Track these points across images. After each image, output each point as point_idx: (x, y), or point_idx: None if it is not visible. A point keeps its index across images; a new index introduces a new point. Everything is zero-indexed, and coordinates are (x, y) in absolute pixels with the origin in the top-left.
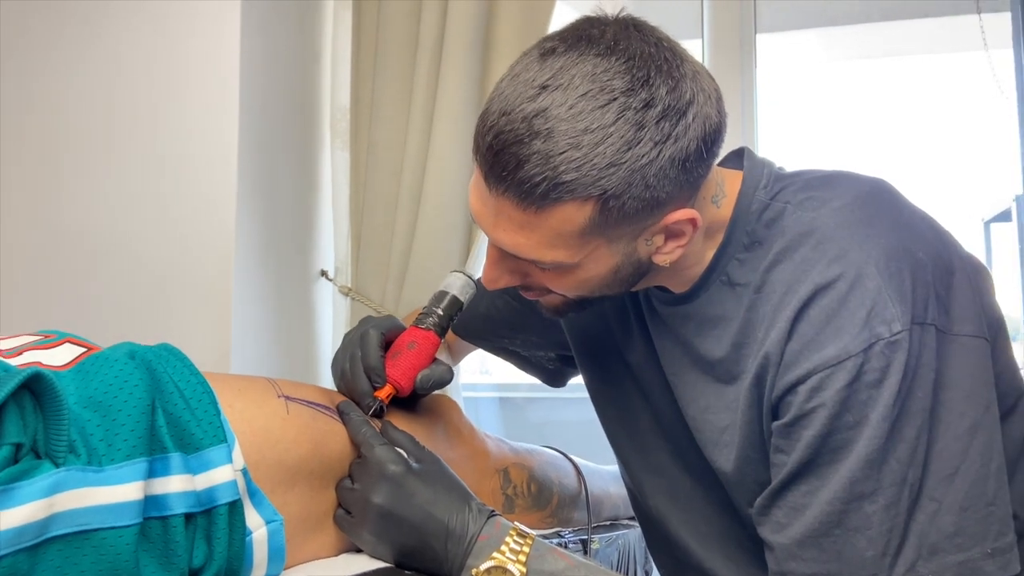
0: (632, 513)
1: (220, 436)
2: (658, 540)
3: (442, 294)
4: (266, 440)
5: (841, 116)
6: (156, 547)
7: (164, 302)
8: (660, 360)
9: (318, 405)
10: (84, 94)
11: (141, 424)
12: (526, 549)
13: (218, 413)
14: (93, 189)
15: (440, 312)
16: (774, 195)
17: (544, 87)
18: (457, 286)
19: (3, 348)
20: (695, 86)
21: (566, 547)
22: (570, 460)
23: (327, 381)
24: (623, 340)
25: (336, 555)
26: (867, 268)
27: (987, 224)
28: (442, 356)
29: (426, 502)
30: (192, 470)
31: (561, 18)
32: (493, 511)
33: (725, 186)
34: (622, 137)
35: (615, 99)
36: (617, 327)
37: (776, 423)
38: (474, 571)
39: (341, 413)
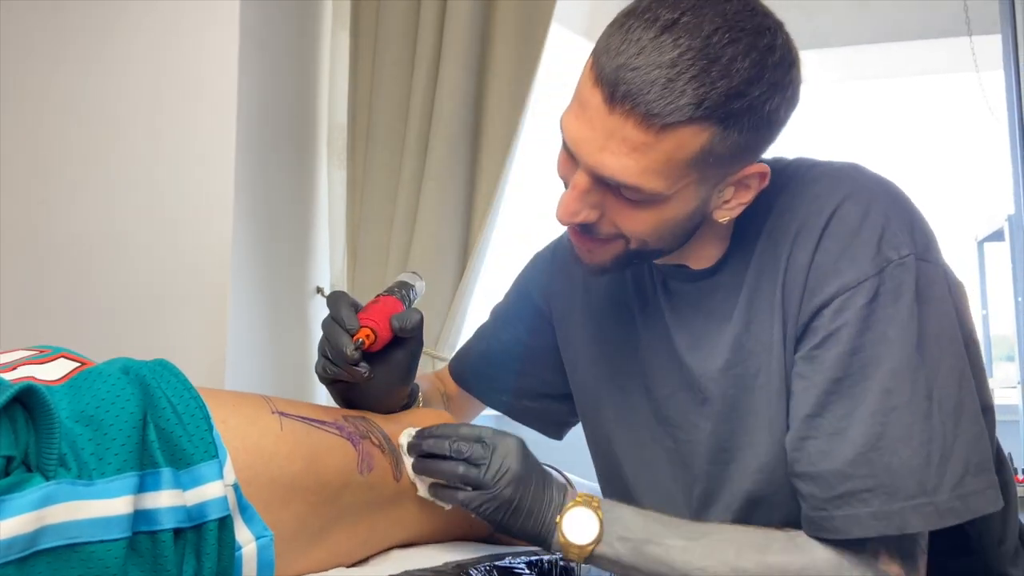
0: None
1: (211, 452)
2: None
3: (402, 283)
4: (259, 457)
5: (834, 137)
6: (145, 561)
7: (160, 317)
8: (673, 339)
9: (313, 421)
10: (82, 110)
11: (132, 439)
12: (596, 501)
13: (210, 428)
14: (88, 204)
15: (403, 293)
16: (786, 165)
17: (675, 21)
18: (417, 284)
19: None
20: (795, 47)
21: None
22: (564, 477)
23: (322, 395)
24: (639, 323)
25: (327, 570)
26: (876, 202)
27: (980, 244)
28: (437, 405)
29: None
30: (183, 485)
31: (557, 42)
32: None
33: None
34: (748, 72)
35: (743, 37)
36: (628, 310)
37: (800, 352)
38: (571, 503)
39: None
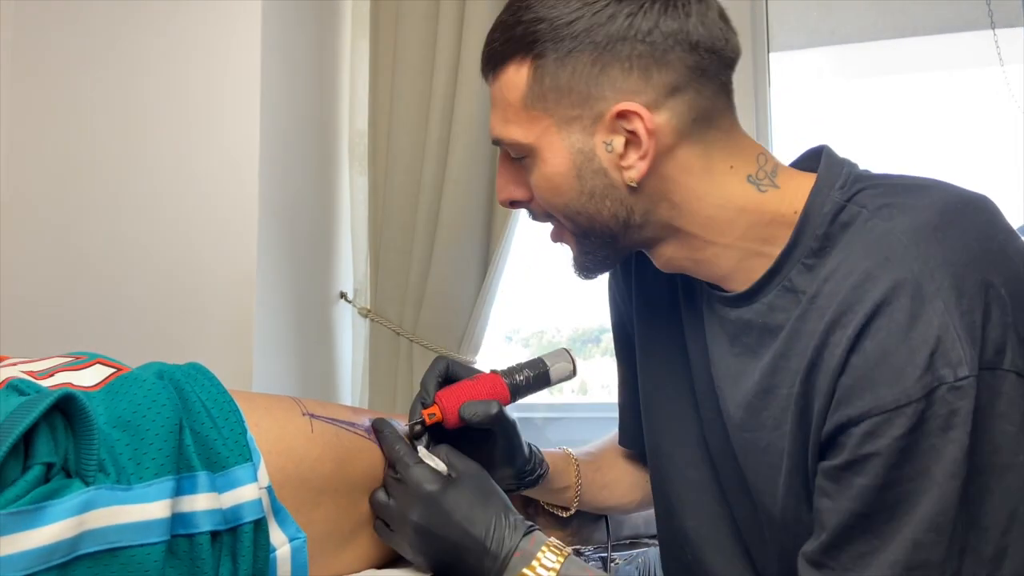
0: (652, 531)
1: (246, 455)
2: (684, 565)
3: (538, 362)
4: (290, 459)
5: (857, 134)
6: (183, 564)
7: (188, 324)
8: (712, 369)
9: (343, 423)
10: (106, 116)
11: (168, 443)
12: (557, 566)
13: (244, 432)
14: (117, 213)
15: (525, 374)
16: (850, 196)
17: None
18: (557, 366)
19: (35, 370)
20: None
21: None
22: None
23: (347, 401)
24: (687, 334)
25: (360, 570)
26: (935, 299)
27: None
28: (562, 480)
29: (463, 519)
30: (218, 488)
31: None
32: (532, 526)
33: (780, 177)
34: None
35: None
36: (678, 320)
37: (824, 464)
38: None
39: (375, 430)
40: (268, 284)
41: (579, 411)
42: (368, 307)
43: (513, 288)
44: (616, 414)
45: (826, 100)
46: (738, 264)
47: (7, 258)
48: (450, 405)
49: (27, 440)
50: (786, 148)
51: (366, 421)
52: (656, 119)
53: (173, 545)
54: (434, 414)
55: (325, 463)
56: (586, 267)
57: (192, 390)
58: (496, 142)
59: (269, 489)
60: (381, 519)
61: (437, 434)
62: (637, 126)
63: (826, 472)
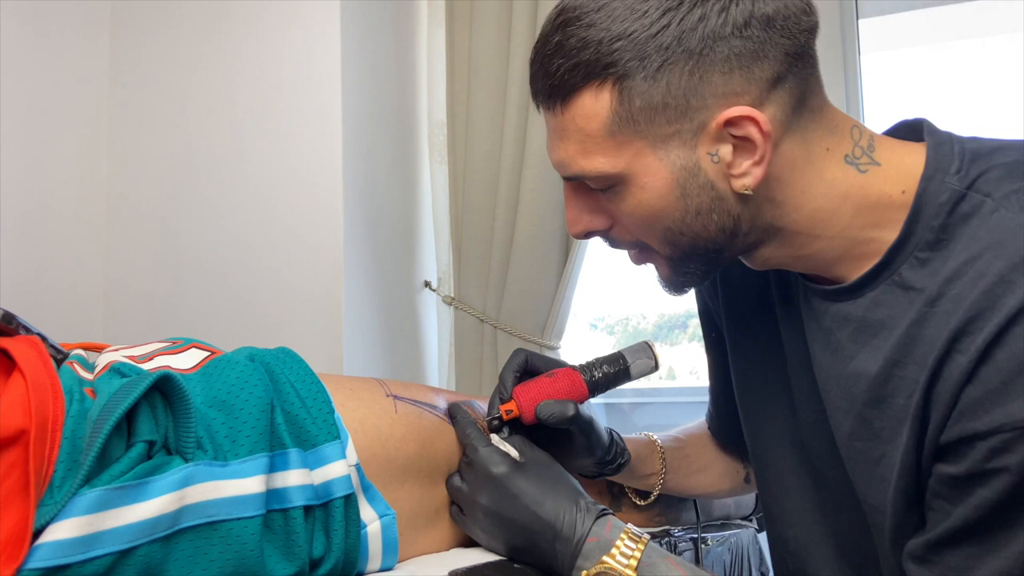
0: (744, 513)
1: (334, 433)
2: (788, 573)
3: (617, 357)
4: (376, 438)
5: (949, 99)
6: (279, 538)
7: (280, 317)
8: (813, 369)
9: (425, 404)
10: (199, 116)
11: (261, 422)
12: (637, 554)
13: (332, 411)
14: (209, 210)
15: (604, 370)
16: (971, 183)
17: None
18: (638, 362)
19: (136, 354)
20: None
21: (675, 547)
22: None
23: (433, 383)
24: (783, 332)
25: (448, 549)
26: None
27: None
28: (648, 466)
29: (532, 502)
30: (309, 465)
31: None
32: (605, 510)
33: (878, 151)
34: (614, 11)
35: None
36: (772, 317)
37: (942, 469)
38: (584, 573)
39: (450, 415)
40: (355, 275)
41: (666, 396)
42: (452, 295)
43: (597, 274)
44: (703, 399)
45: (918, 64)
46: (843, 255)
47: (115, 253)
48: (527, 403)
49: (129, 419)
50: (878, 117)
51: (446, 404)
52: (766, 117)
53: (269, 519)
54: (511, 410)
55: (409, 443)
56: (678, 284)
57: (281, 371)
58: (572, 177)
59: (358, 467)
60: (456, 504)
61: (515, 425)
62: (749, 131)
63: (943, 478)
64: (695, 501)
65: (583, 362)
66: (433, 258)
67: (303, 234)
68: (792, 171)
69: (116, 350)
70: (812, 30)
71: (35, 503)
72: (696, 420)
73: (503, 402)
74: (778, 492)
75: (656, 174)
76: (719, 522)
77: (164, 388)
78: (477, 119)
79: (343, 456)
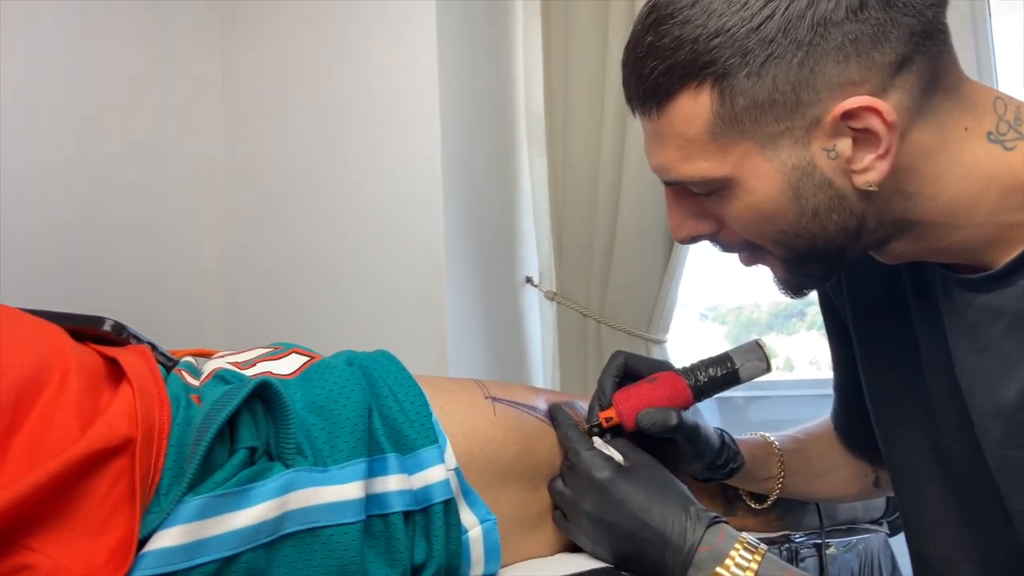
0: (874, 516)
1: (432, 437)
2: None
3: (725, 358)
4: (475, 441)
5: None
6: (380, 544)
7: (382, 317)
8: (955, 369)
9: (524, 406)
10: (300, 118)
11: (359, 427)
12: (754, 566)
13: (430, 415)
14: (313, 207)
15: (709, 374)
16: None
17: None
18: (747, 364)
19: (239, 360)
20: None
21: (797, 553)
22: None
23: (539, 385)
24: (919, 330)
25: (553, 554)
26: None
27: None
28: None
29: (639, 508)
30: (408, 470)
31: None
32: (717, 517)
33: None
34: (709, 6)
35: None
36: (906, 313)
37: None
38: None
39: (551, 417)
40: (457, 272)
41: (784, 389)
42: (554, 290)
43: (706, 262)
44: (825, 391)
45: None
46: (990, 241)
47: (237, 255)
48: (627, 410)
49: (232, 426)
50: (1013, 83)
51: (546, 405)
52: (889, 106)
53: (369, 525)
54: (611, 417)
55: (509, 446)
56: (796, 286)
57: (379, 375)
58: (672, 183)
59: (457, 471)
60: (559, 508)
61: (617, 430)
62: (871, 122)
63: None
64: (818, 504)
65: (687, 365)
66: (533, 253)
67: (402, 233)
68: (925, 159)
69: (221, 356)
70: (941, 3)
71: (141, 511)
72: (819, 418)
73: (602, 409)
74: (916, 504)
75: (765, 176)
76: (845, 526)
77: (264, 394)
78: (575, 109)
79: (441, 460)
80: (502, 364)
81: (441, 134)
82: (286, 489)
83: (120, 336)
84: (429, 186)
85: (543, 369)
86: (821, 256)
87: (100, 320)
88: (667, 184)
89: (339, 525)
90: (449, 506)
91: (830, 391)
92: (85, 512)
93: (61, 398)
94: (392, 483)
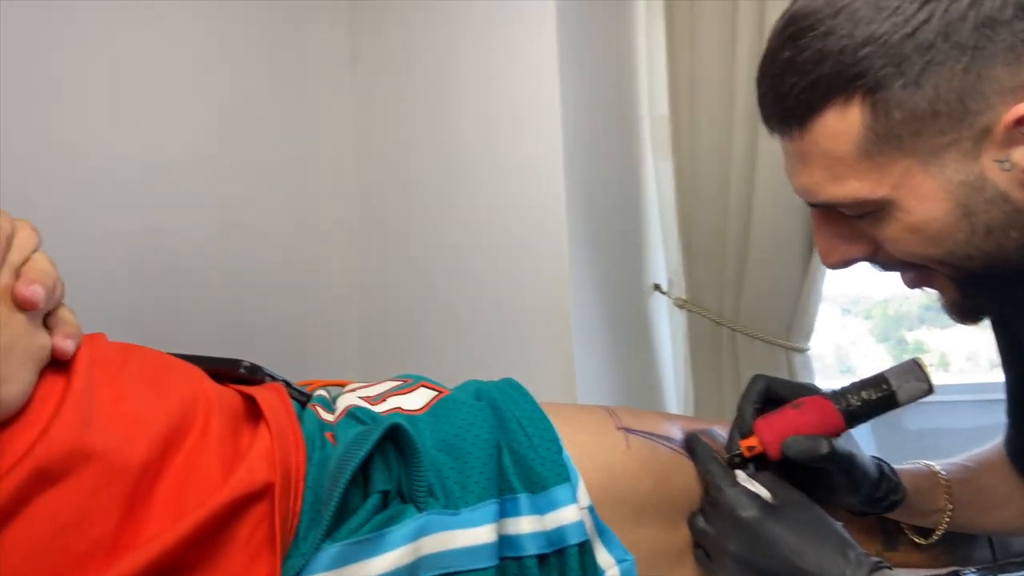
0: None
1: (564, 474)
2: None
3: (880, 379)
4: (608, 475)
5: None
6: None
7: (507, 330)
8: None
9: (659, 436)
10: (430, 125)
11: (489, 466)
12: None
13: (560, 451)
14: (437, 218)
15: (863, 397)
16: None
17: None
18: (906, 386)
19: (370, 395)
20: None
21: None
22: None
23: (669, 400)
24: None
25: None
26: None
27: None
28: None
29: (790, 551)
30: (540, 510)
31: None
32: (880, 562)
33: None
34: (856, 14)
35: None
36: None
37: None
38: None
39: (688, 449)
40: (582, 282)
41: (942, 393)
42: (684, 297)
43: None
44: (987, 396)
45: None
46: None
47: (365, 272)
48: (771, 439)
49: (364, 469)
50: None
51: (681, 434)
52: None
53: (503, 568)
54: (753, 446)
55: (643, 480)
56: (970, 310)
57: (508, 408)
58: (821, 205)
59: (591, 509)
60: (701, 547)
61: (761, 460)
62: None
63: None
64: (989, 536)
65: (837, 388)
66: (661, 259)
67: (525, 243)
68: None
69: (352, 390)
70: None
71: (281, 556)
72: (990, 443)
73: (743, 437)
74: None
75: (928, 194)
76: (1021, 559)
77: (395, 435)
78: (703, 110)
79: (574, 500)
80: (632, 377)
81: (563, 134)
82: (419, 534)
83: (255, 376)
84: (551, 192)
85: (675, 382)
86: (998, 277)
87: (237, 362)
88: (813, 206)
89: (473, 571)
90: (584, 548)
91: (993, 395)
92: (230, 558)
93: (204, 441)
94: (524, 524)
